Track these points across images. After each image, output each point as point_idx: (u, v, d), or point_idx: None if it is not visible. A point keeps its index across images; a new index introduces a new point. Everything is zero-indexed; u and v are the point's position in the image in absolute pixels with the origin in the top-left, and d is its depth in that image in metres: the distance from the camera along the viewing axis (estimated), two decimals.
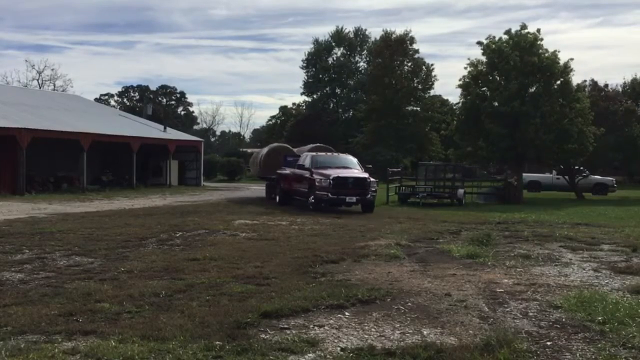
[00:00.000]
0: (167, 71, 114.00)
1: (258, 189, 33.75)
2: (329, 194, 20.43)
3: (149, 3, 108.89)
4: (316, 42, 69.40)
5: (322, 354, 5.34)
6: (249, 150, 62.80)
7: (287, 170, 24.00)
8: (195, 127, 78.83)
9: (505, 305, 7.28)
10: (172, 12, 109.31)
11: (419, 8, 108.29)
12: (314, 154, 23.91)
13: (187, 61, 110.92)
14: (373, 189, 20.98)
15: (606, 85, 39.76)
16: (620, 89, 47.94)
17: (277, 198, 24.41)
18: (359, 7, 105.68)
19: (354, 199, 20.59)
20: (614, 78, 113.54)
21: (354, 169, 22.39)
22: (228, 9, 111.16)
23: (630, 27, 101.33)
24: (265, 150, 29.93)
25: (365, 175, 21.40)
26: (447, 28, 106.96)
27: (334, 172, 21.01)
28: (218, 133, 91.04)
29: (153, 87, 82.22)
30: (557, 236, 14.20)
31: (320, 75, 68.46)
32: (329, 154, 24.79)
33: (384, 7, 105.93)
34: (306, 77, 69.19)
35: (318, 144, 30.34)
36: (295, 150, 28.74)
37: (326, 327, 6.17)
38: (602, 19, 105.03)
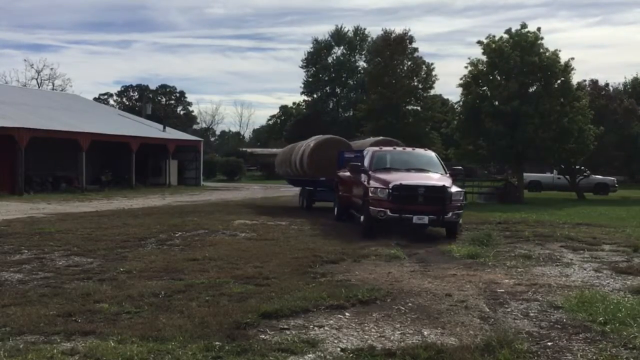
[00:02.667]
0: (165, 70, 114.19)
1: (259, 189, 33.72)
2: (388, 211, 13.55)
3: (145, 2, 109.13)
4: (315, 41, 69.46)
5: (322, 355, 5.32)
6: (249, 150, 62.72)
7: (347, 173, 16.96)
8: (195, 126, 78.86)
9: (506, 306, 7.26)
10: (168, 11, 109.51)
11: (417, 7, 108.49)
12: (376, 149, 17.06)
13: (185, 60, 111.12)
14: (458, 204, 13.96)
15: (606, 85, 39.78)
16: (622, 88, 47.94)
17: (335, 210, 18.26)
18: (356, 6, 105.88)
19: (425, 218, 13.54)
20: (614, 77, 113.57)
21: (433, 172, 15.14)
22: (225, 7, 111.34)
23: (630, 26, 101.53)
24: (311, 143, 21.98)
25: (446, 182, 14.31)
26: (446, 27, 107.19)
27: (398, 178, 14.18)
28: (217, 133, 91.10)
29: (152, 87, 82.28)
30: (558, 236, 14.17)
31: (320, 75, 68.49)
32: (398, 149, 17.61)
33: (382, 5, 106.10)
34: (306, 77, 69.23)
35: (382, 137, 23.81)
36: (352, 144, 22.34)
37: (326, 328, 6.15)
38: (601, 18, 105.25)
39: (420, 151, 17.06)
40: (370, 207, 13.85)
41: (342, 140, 22.36)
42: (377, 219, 13.79)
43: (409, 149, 17.30)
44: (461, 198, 14.39)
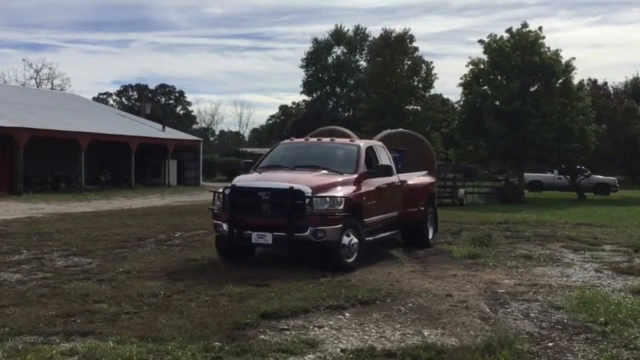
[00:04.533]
0: (164, 70, 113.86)
1: None
2: (224, 225, 9.65)
3: (142, 1, 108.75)
4: (315, 41, 69.38)
5: (322, 355, 5.30)
6: (248, 150, 62.69)
7: None
8: (194, 126, 78.75)
9: (507, 306, 7.24)
10: (166, 10, 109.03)
11: (416, 6, 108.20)
12: (287, 141, 12.40)
13: (183, 60, 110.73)
14: (330, 217, 9.31)
15: (605, 84, 39.77)
16: (623, 88, 47.93)
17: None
18: (355, 5, 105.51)
19: (268, 236, 9.33)
20: (614, 77, 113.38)
21: (331, 170, 10.35)
22: (223, 7, 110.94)
23: (630, 25, 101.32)
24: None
25: (323, 183, 9.67)
26: (445, 26, 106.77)
27: (259, 178, 10.21)
28: (217, 132, 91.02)
29: (151, 86, 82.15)
30: (558, 236, 14.15)
31: (320, 75, 68.41)
32: (324, 140, 12.09)
33: (381, 5, 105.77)
34: (306, 76, 69.16)
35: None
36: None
37: (326, 328, 6.13)
38: (601, 17, 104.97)
39: (339, 144, 11.58)
40: (212, 220, 10.17)
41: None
42: (219, 238, 10.06)
43: (326, 141, 11.86)
44: (341, 208, 9.32)
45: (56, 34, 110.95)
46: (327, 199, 9.33)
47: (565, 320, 6.60)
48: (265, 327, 6.08)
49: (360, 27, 70.19)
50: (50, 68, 66.70)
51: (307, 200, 9.20)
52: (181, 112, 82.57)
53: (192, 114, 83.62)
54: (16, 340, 5.54)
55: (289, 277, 8.52)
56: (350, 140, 11.79)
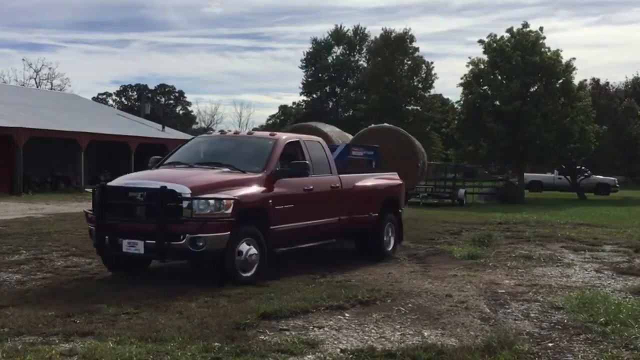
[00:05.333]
0: (163, 70, 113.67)
1: None
2: (94, 230, 8.44)
3: (142, 1, 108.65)
4: (315, 41, 69.38)
5: (322, 356, 5.29)
6: None
7: None
8: (194, 126, 78.67)
9: (507, 307, 7.23)
10: (165, 10, 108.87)
11: (415, 6, 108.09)
12: (205, 135, 11.83)
13: (183, 60, 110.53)
14: (212, 222, 7.88)
15: (607, 84, 39.79)
16: (623, 88, 47.93)
17: None
18: (354, 5, 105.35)
19: (140, 245, 7.97)
20: (614, 77, 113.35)
21: (234, 168, 8.85)
22: (222, 6, 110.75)
23: (630, 25, 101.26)
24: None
25: (207, 181, 8.32)
26: (444, 26, 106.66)
27: (149, 176, 8.81)
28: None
29: (150, 86, 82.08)
30: (558, 237, 14.14)
31: (320, 75, 68.42)
32: (245, 134, 11.10)
33: (380, 5, 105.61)
34: (305, 76, 69.17)
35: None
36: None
37: (326, 329, 6.12)
38: (601, 17, 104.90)
39: (254, 138, 10.19)
40: (88, 224, 8.90)
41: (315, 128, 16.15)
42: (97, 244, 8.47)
43: (243, 135, 10.85)
44: (228, 212, 7.85)
45: (55, 33, 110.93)
46: (211, 201, 7.85)
47: (566, 321, 6.59)
48: (265, 327, 6.07)
49: (359, 27, 70.21)
50: (50, 68, 66.75)
51: (185, 203, 7.78)
52: (181, 112, 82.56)
53: (192, 114, 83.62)
54: (15, 340, 5.53)
55: (289, 278, 8.51)
56: (271, 135, 9.79)
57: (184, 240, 7.75)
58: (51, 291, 7.61)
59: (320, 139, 10.83)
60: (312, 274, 8.89)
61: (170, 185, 7.95)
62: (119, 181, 8.81)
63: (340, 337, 5.85)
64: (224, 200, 7.89)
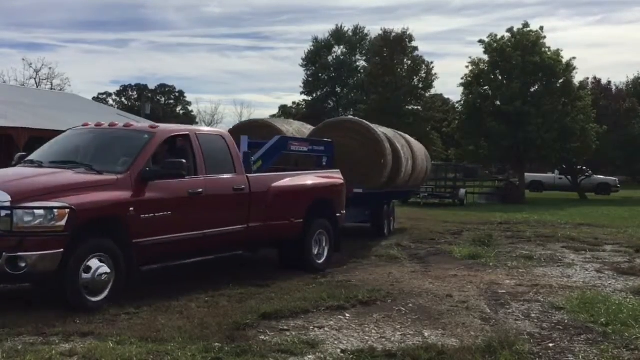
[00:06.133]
0: (163, 70, 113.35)
1: None
2: None
3: (141, 1, 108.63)
4: (315, 40, 69.36)
5: (322, 356, 5.29)
6: None
7: None
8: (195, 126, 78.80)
9: (507, 307, 7.23)
10: (165, 10, 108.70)
11: (415, 6, 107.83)
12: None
13: (182, 60, 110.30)
14: (34, 237, 6.32)
15: (609, 83, 39.75)
16: (624, 88, 47.89)
17: None
18: (354, 4, 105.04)
19: None
20: (614, 77, 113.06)
21: (92, 169, 7.36)
22: (221, 6, 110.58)
23: (630, 25, 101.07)
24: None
25: (36, 186, 6.78)
26: (444, 26, 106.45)
27: None
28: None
29: (150, 86, 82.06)
30: (559, 237, 14.13)
31: (320, 74, 68.40)
32: (104, 126, 8.53)
33: (380, 4, 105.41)
34: (306, 76, 69.14)
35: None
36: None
37: (326, 329, 6.12)
38: (601, 17, 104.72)
39: (128, 131, 8.34)
40: None
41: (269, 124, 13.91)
42: None
43: (119, 127, 8.47)
44: (61, 224, 6.41)
45: (55, 33, 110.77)
46: (38, 211, 6.33)
47: (566, 321, 6.58)
48: (265, 327, 6.06)
49: (360, 27, 70.20)
50: (50, 68, 66.59)
51: (3, 213, 6.31)
52: (181, 112, 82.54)
53: (192, 113, 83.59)
54: (15, 340, 5.52)
55: (289, 278, 8.51)
56: (151, 127, 8.25)
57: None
58: (51, 291, 7.59)
59: (224, 133, 9.12)
60: (313, 274, 8.89)
61: None
62: None
63: (341, 338, 5.84)
64: (56, 210, 6.36)
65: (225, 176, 8.30)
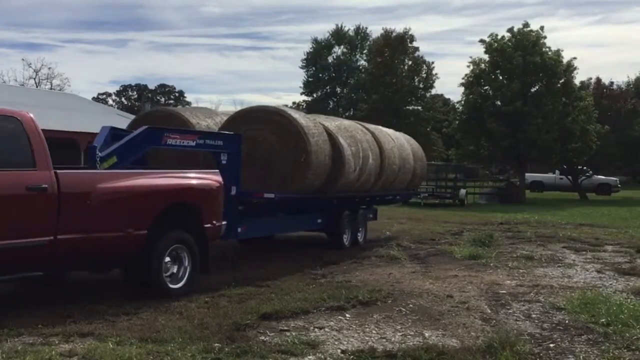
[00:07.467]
0: (162, 70, 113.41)
1: None
2: None
3: (140, 0, 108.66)
4: (315, 40, 69.36)
5: (323, 356, 5.27)
6: None
7: None
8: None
9: (508, 307, 7.21)
10: (163, 9, 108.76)
11: (415, 6, 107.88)
12: None
13: (182, 60, 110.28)
14: None
15: (611, 83, 39.72)
16: (625, 88, 47.87)
17: None
18: (353, 4, 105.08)
19: None
20: (615, 76, 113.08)
21: None
22: (220, 6, 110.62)
23: (630, 24, 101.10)
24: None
25: None
26: (444, 26, 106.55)
27: None
28: None
29: (150, 86, 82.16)
30: (560, 237, 14.13)
31: (320, 75, 68.41)
32: None
33: (379, 4, 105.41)
34: (306, 76, 69.15)
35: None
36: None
37: (326, 329, 6.10)
38: (601, 17, 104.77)
39: None
40: None
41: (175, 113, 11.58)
42: None
43: None
44: None
45: (54, 33, 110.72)
46: None
47: (567, 321, 6.56)
48: (265, 328, 6.05)
49: (360, 27, 70.20)
50: (49, 68, 66.66)
51: None
52: None
53: None
54: (15, 341, 5.51)
55: (289, 278, 8.51)
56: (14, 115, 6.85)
57: None
58: (51, 291, 7.58)
59: (20, 114, 7.13)
60: (313, 275, 8.88)
61: None
62: None
63: (341, 338, 5.83)
64: None
65: (14, 170, 6.22)
